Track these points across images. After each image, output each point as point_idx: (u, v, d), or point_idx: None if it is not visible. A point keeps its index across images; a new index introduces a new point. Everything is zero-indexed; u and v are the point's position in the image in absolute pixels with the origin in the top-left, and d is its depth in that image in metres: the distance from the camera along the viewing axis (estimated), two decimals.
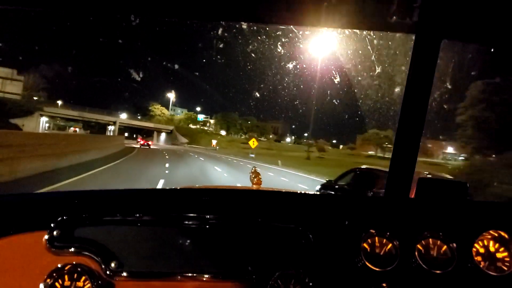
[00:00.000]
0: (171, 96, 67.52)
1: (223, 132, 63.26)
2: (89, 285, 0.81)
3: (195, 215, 0.92)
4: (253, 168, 1.67)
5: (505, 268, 0.97)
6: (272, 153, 36.13)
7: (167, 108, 66.20)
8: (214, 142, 47.59)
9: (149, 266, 0.86)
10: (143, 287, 0.85)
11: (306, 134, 61.14)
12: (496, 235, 1.00)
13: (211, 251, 0.90)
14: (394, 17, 0.92)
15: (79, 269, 0.81)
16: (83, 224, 0.86)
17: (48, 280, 0.79)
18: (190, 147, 47.13)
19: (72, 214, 0.86)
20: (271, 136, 62.05)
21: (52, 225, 0.83)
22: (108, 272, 0.83)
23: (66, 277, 0.81)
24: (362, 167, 5.65)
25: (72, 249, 0.83)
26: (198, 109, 70.80)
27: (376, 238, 0.97)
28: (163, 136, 58.51)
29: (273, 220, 0.95)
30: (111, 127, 48.18)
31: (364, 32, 1.74)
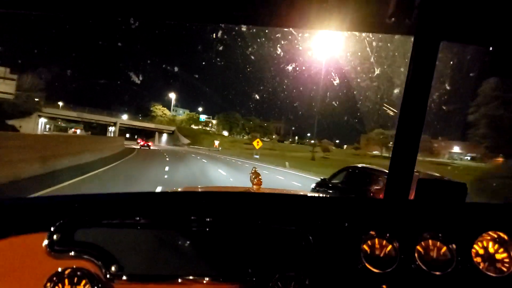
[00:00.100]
0: (173, 96, 66.95)
1: (225, 133, 62.57)
2: None
3: (195, 218, 0.91)
4: (253, 169, 1.69)
5: (505, 269, 0.97)
6: (276, 154, 35.59)
7: (169, 108, 65.64)
8: (216, 142, 46.81)
9: (149, 269, 0.85)
10: None
11: (309, 134, 60.76)
12: (496, 236, 1.00)
13: (211, 254, 0.90)
14: (393, 19, 0.91)
15: (79, 273, 0.82)
16: (83, 228, 0.86)
17: (48, 284, 0.80)
18: (192, 148, 46.38)
19: (72, 218, 0.86)
20: (274, 137, 61.30)
21: (52, 228, 0.83)
22: (108, 276, 0.83)
23: (66, 281, 0.81)
24: (354, 165, 5.69)
25: (72, 253, 0.83)
26: (200, 109, 70.23)
27: (376, 239, 0.97)
28: (164, 137, 58.08)
29: (273, 222, 0.95)
30: (111, 128, 47.70)
31: (364, 34, 1.79)
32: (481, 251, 0.99)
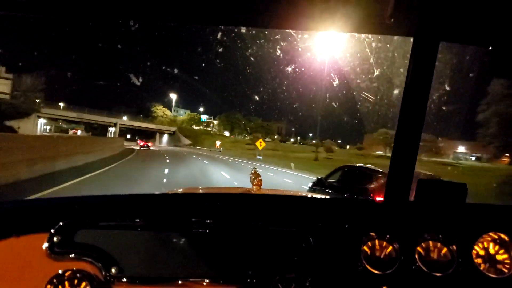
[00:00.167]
0: (174, 97, 66.43)
1: (226, 133, 61.96)
2: None
3: (196, 219, 0.91)
4: (253, 169, 1.70)
5: (505, 270, 0.97)
6: (279, 154, 35.04)
7: (170, 109, 65.11)
8: (218, 143, 46.14)
9: (149, 271, 0.85)
10: None
11: (310, 135, 60.24)
12: (496, 237, 1.00)
13: (211, 256, 0.90)
14: (392, 20, 0.91)
15: (79, 275, 0.82)
16: (83, 230, 0.86)
17: (49, 286, 0.80)
18: (193, 148, 45.82)
19: (72, 220, 0.86)
20: (275, 137, 60.70)
21: (52, 230, 0.83)
22: (108, 278, 0.83)
23: (66, 283, 0.81)
24: (349, 165, 5.83)
25: (73, 255, 0.83)
26: (202, 109, 69.68)
27: (376, 241, 0.97)
28: (165, 137, 57.71)
29: (273, 224, 0.95)
30: (112, 129, 47.24)
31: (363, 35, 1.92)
32: (481, 252, 0.99)
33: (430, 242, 0.97)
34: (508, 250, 0.98)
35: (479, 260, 0.97)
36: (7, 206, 0.91)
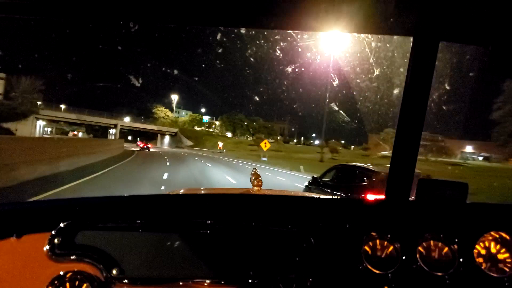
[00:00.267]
0: (175, 98, 65.72)
1: (228, 134, 61.09)
2: None
3: (196, 220, 0.91)
4: (254, 170, 1.69)
5: (507, 270, 0.97)
6: (283, 155, 34.09)
7: (171, 110, 64.36)
8: (220, 144, 45.16)
9: (150, 272, 0.85)
10: None
11: (314, 135, 59.40)
12: (498, 236, 1.00)
13: (212, 256, 0.90)
14: (392, 20, 0.91)
15: (80, 276, 0.82)
16: (84, 231, 0.86)
17: None
18: (195, 150, 44.97)
19: (73, 221, 0.86)
20: (279, 138, 59.79)
21: (53, 232, 0.84)
22: (109, 279, 0.83)
23: (67, 284, 0.81)
24: (342, 164, 6.10)
25: (74, 256, 0.83)
26: (203, 110, 68.90)
27: (377, 240, 0.97)
28: (167, 139, 57.08)
29: (274, 224, 0.95)
30: (112, 131, 46.53)
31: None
32: (483, 252, 0.99)
33: (431, 242, 0.97)
34: (510, 249, 0.98)
35: (480, 260, 0.97)
36: (8, 207, 0.91)
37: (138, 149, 32.77)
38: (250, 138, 57.08)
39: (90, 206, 0.92)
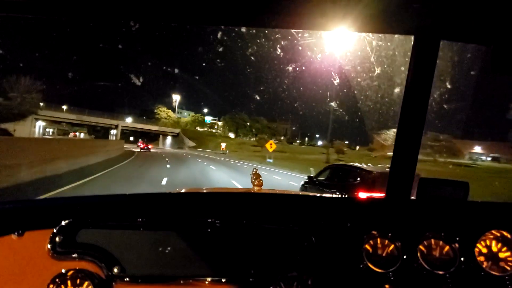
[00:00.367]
0: (177, 98, 64.97)
1: (231, 135, 60.15)
2: None
3: (197, 219, 0.92)
4: (254, 170, 1.68)
5: (508, 268, 0.97)
6: (288, 157, 33.13)
7: (173, 110, 63.59)
8: (223, 145, 44.22)
9: (151, 270, 0.86)
10: None
11: (317, 136, 58.34)
12: (499, 235, 0.99)
13: (213, 255, 0.90)
14: (393, 19, 0.92)
15: (81, 274, 0.82)
16: (86, 229, 0.86)
17: (51, 286, 0.80)
18: (197, 150, 44.06)
19: (74, 219, 0.86)
20: (282, 138, 58.76)
21: (54, 230, 0.84)
22: (110, 277, 0.83)
23: (69, 282, 0.82)
24: (336, 164, 6.69)
25: (75, 254, 0.84)
26: (206, 110, 68.06)
27: (378, 239, 0.97)
28: (169, 139, 56.33)
29: (276, 223, 0.95)
30: (113, 131, 45.76)
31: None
32: (484, 250, 0.99)
33: (432, 240, 0.97)
34: (511, 248, 0.98)
35: (481, 258, 0.97)
36: (9, 206, 0.91)
37: (139, 150, 32.26)
38: (253, 139, 56.13)
39: (92, 205, 0.93)
